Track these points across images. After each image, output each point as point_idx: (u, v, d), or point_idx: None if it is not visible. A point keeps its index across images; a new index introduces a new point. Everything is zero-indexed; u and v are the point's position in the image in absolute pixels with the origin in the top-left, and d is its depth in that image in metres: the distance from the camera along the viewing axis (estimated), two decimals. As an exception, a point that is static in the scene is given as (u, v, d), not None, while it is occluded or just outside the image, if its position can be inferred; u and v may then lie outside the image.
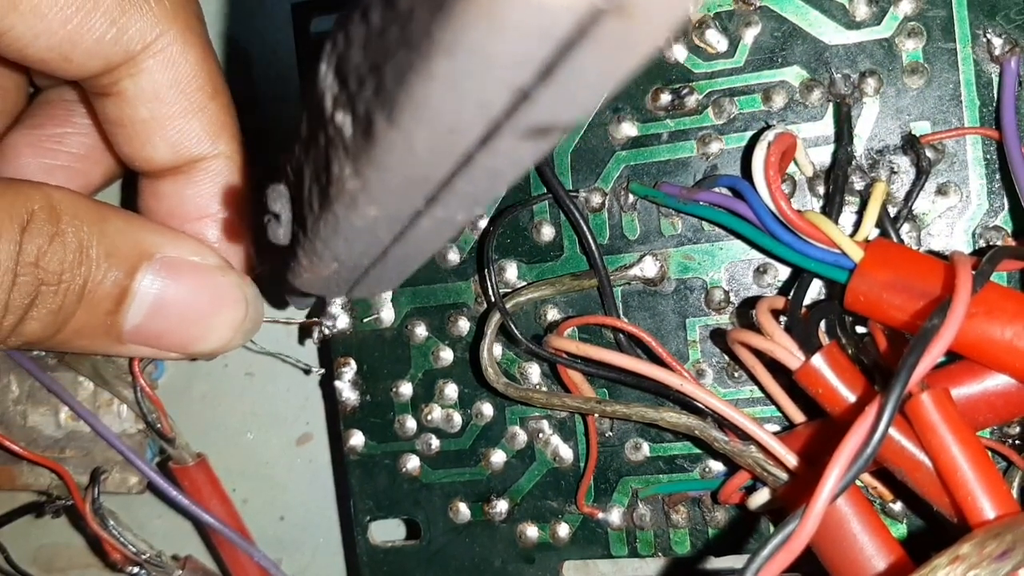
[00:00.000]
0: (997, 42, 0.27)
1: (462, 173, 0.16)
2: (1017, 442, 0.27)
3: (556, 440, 0.32)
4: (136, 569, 0.34)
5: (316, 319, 0.33)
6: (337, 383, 0.33)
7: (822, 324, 0.27)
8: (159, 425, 0.33)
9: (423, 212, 0.18)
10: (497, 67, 0.13)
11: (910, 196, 0.28)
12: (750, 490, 0.29)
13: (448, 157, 0.15)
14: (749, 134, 0.29)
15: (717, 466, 0.30)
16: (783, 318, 0.27)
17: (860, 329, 0.28)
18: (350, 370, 0.33)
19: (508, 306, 0.30)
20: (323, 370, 0.34)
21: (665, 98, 0.30)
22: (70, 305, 0.26)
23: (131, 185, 0.33)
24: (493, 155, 0.15)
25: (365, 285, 0.23)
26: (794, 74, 0.29)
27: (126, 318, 0.27)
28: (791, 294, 0.27)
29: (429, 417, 0.33)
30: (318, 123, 0.18)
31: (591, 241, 0.30)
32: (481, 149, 0.15)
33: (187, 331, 0.28)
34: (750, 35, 0.29)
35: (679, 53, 0.30)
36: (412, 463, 0.33)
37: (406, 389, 0.33)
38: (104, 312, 0.27)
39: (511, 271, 0.32)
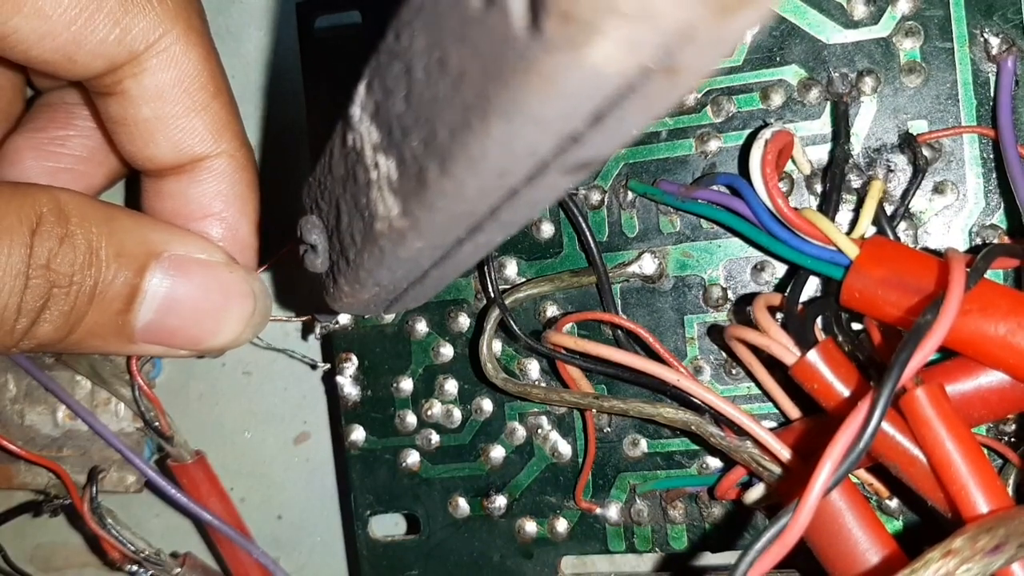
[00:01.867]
0: (994, 41, 0.27)
1: (506, 205, 0.17)
2: (1013, 439, 0.27)
3: (555, 436, 0.32)
4: (134, 567, 0.34)
5: (307, 316, 0.33)
6: (338, 378, 0.33)
7: (818, 320, 0.27)
8: (157, 423, 0.33)
9: (465, 239, 0.19)
10: (551, 123, 0.14)
11: (907, 194, 0.28)
12: (747, 486, 0.29)
13: (495, 195, 0.16)
14: (747, 132, 0.29)
15: (714, 462, 0.30)
16: (780, 315, 0.28)
17: (856, 326, 0.28)
18: (351, 366, 0.33)
19: (507, 302, 0.30)
20: (328, 365, 0.34)
21: (664, 97, 0.30)
22: (82, 306, 0.26)
23: (134, 185, 0.33)
24: (537, 189, 0.16)
25: (402, 303, 0.24)
26: (792, 73, 0.29)
27: (137, 317, 0.27)
28: (788, 291, 0.28)
29: (429, 412, 0.33)
30: (356, 163, 0.19)
31: (590, 238, 0.30)
32: (527, 185, 0.16)
33: (198, 327, 0.28)
34: (748, 34, 0.29)
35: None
36: (412, 458, 0.33)
37: (406, 385, 0.33)
38: (115, 312, 0.27)
39: (511, 268, 0.32)
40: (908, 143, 0.28)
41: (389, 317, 0.33)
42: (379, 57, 0.17)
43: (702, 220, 0.30)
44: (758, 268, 0.30)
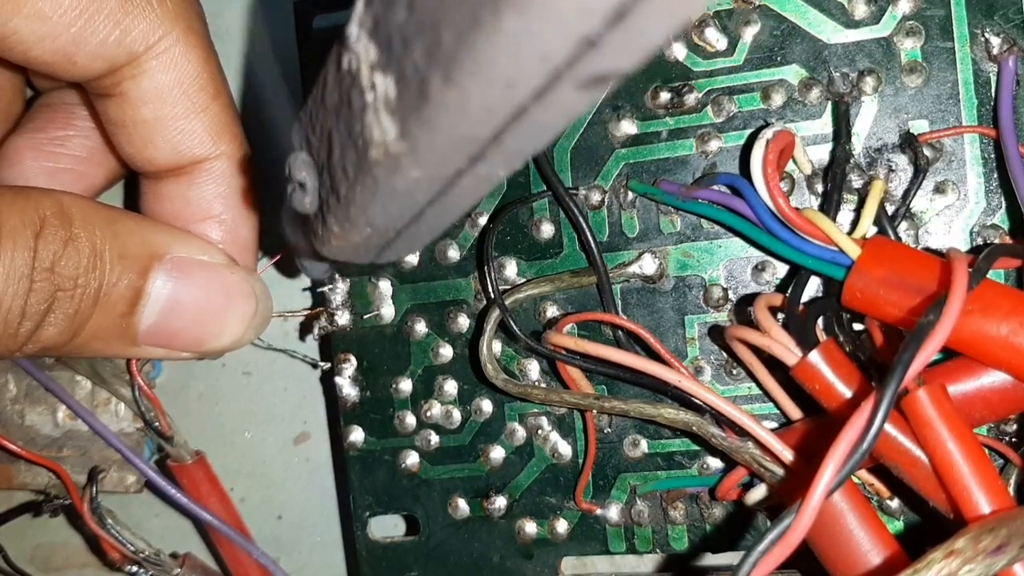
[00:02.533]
0: (995, 41, 0.27)
1: (512, 128, 0.15)
2: (1014, 439, 0.27)
3: (555, 436, 0.32)
4: (134, 568, 0.34)
5: (318, 308, 0.33)
6: (337, 379, 0.33)
7: (820, 321, 0.27)
8: (157, 423, 0.33)
9: (465, 170, 0.17)
10: (568, 18, 0.12)
11: (908, 194, 0.28)
12: (748, 486, 0.29)
13: (501, 112, 0.15)
14: (748, 132, 0.29)
15: (715, 463, 0.30)
16: (781, 315, 0.28)
17: (857, 326, 0.28)
18: (350, 366, 0.33)
19: (507, 303, 0.30)
20: (328, 364, 0.34)
21: (664, 96, 0.30)
22: (86, 309, 0.26)
23: (133, 186, 0.33)
24: (547, 107, 0.15)
25: (394, 249, 0.23)
26: (793, 72, 0.29)
27: (141, 319, 0.27)
28: (789, 291, 0.28)
29: (428, 413, 0.33)
30: (351, 87, 0.18)
31: (590, 238, 0.30)
32: (536, 101, 0.15)
33: (201, 329, 0.28)
34: (749, 33, 0.29)
35: (679, 51, 0.30)
36: (411, 459, 0.33)
37: (406, 385, 0.33)
38: (119, 314, 0.27)
39: (511, 268, 0.32)
40: (909, 143, 0.28)
41: (387, 316, 0.33)
42: None
43: (703, 220, 0.30)
44: (759, 268, 0.30)
